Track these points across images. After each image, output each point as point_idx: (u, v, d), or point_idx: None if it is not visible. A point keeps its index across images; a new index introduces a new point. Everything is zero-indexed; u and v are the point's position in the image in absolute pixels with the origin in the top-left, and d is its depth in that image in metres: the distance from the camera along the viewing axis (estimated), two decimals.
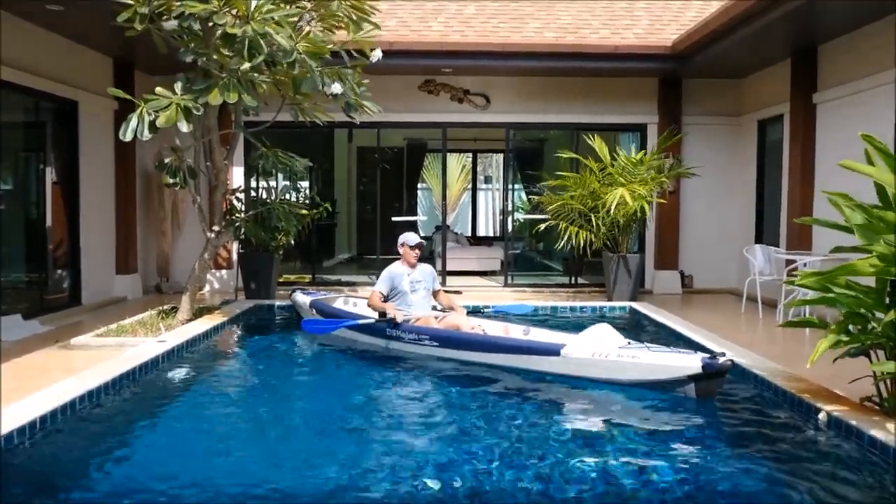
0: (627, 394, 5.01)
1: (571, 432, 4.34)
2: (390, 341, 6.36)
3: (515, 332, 6.30)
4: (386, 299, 6.53)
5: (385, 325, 6.34)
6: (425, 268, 6.82)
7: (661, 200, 9.63)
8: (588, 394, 5.08)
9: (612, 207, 8.64)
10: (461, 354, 5.94)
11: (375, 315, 6.56)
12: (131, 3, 5.72)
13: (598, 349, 5.28)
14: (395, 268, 6.65)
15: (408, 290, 6.56)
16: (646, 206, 8.86)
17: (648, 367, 5.00)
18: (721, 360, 4.80)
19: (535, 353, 5.56)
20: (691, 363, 4.83)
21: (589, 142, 9.57)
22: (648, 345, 5.38)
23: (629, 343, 5.41)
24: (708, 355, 4.89)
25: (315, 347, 6.72)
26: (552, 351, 5.44)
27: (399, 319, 6.28)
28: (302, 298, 7.53)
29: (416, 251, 6.64)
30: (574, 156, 9.71)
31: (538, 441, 4.10)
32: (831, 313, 4.39)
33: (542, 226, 9.71)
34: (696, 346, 6.20)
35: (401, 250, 6.71)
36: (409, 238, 6.68)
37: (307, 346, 6.77)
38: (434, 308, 6.84)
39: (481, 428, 4.34)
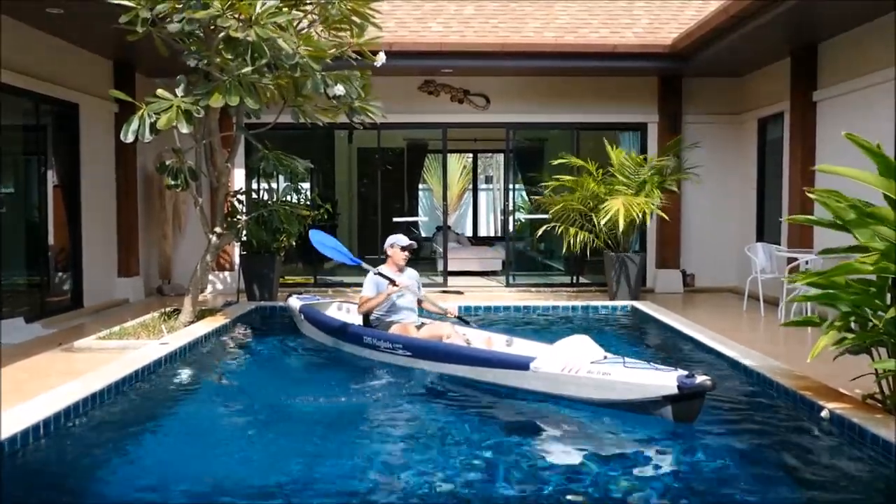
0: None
1: (541, 457, 3.98)
2: (368, 350, 6.08)
3: (499, 342, 5.82)
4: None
5: (363, 332, 6.17)
6: (412, 273, 6.52)
7: (662, 214, 9.48)
8: (560, 412, 4.64)
9: (612, 216, 8.63)
10: (435, 366, 5.53)
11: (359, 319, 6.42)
12: (132, 5, 5.72)
13: (569, 364, 4.67)
14: (381, 271, 6.33)
15: (394, 295, 6.20)
16: (647, 215, 8.76)
17: (620, 385, 4.43)
18: (699, 378, 4.18)
19: (503, 367, 5.05)
20: (666, 382, 4.24)
21: (608, 147, 9.54)
22: (626, 359, 4.69)
23: (605, 357, 4.75)
24: (685, 373, 4.27)
25: (317, 350, 6.71)
26: (521, 364, 4.89)
27: (398, 285, 6.03)
28: (295, 303, 7.36)
29: (407, 253, 6.34)
30: (569, 160, 9.63)
31: (499, 465, 3.76)
32: (833, 311, 4.38)
33: (542, 229, 9.68)
34: (698, 345, 6.22)
35: (389, 252, 6.39)
36: (400, 239, 6.38)
37: (309, 349, 6.76)
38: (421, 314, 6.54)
39: (435, 449, 3.99)
